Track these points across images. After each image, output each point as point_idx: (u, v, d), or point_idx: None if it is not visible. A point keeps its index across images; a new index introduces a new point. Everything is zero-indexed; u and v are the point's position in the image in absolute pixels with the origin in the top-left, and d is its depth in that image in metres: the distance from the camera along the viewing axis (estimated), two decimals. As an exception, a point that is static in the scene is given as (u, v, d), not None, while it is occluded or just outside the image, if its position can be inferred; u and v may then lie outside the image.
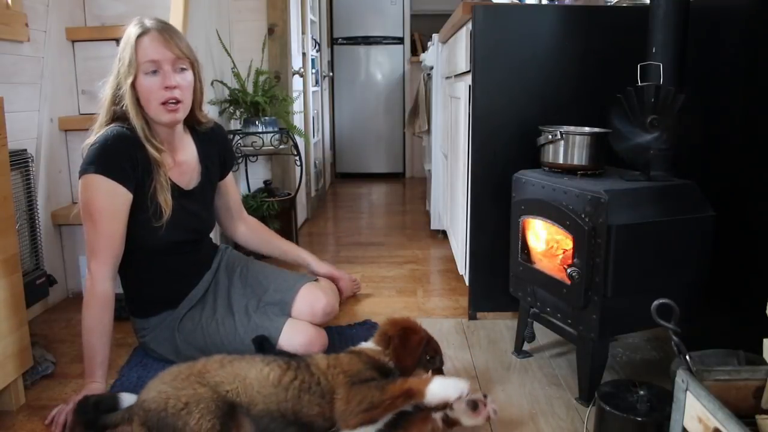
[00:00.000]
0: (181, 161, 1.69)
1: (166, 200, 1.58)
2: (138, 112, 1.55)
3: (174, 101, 1.55)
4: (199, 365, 1.35)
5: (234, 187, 1.98)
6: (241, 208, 2.01)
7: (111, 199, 1.53)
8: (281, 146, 2.81)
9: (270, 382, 1.31)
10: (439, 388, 1.25)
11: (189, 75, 1.59)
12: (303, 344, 1.64)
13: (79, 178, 1.53)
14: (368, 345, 1.45)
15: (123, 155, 1.53)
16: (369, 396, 1.26)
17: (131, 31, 1.54)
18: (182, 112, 1.59)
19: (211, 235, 1.89)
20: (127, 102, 1.54)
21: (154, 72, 1.53)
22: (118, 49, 1.57)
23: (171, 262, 1.68)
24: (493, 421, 1.41)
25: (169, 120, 1.58)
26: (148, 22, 1.55)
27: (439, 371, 1.45)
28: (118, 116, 1.58)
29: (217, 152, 1.79)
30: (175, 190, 1.64)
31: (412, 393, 1.26)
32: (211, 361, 1.37)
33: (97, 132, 1.56)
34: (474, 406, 1.35)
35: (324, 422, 1.29)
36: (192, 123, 1.73)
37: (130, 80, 1.52)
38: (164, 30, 1.54)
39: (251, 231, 2.03)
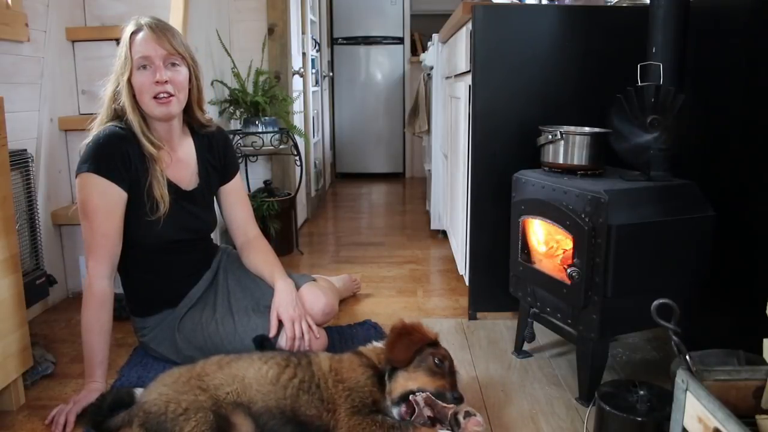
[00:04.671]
0: (179, 160, 1.69)
1: (162, 195, 1.58)
2: (135, 107, 1.57)
3: (165, 94, 1.56)
4: (198, 368, 1.35)
5: (240, 205, 1.83)
6: (246, 228, 1.83)
7: (105, 198, 1.54)
8: (281, 146, 2.81)
9: (268, 380, 1.32)
10: None
11: (183, 70, 1.59)
12: (302, 344, 1.63)
13: (76, 177, 1.55)
14: (375, 345, 1.44)
15: (115, 154, 1.54)
16: None
17: (126, 30, 1.57)
18: (175, 106, 1.60)
19: (212, 234, 1.88)
20: (124, 98, 1.56)
21: (145, 67, 1.55)
22: (118, 48, 1.59)
23: (170, 261, 1.69)
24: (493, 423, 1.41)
25: (161, 113, 1.58)
26: (143, 20, 1.58)
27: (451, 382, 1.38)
28: (117, 114, 1.60)
29: (217, 157, 1.78)
30: (174, 189, 1.64)
31: None
32: (209, 363, 1.37)
33: (95, 130, 1.58)
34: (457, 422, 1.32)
35: (320, 425, 1.29)
36: (192, 124, 1.73)
37: (126, 76, 1.55)
38: (156, 27, 1.56)
39: (247, 260, 1.80)
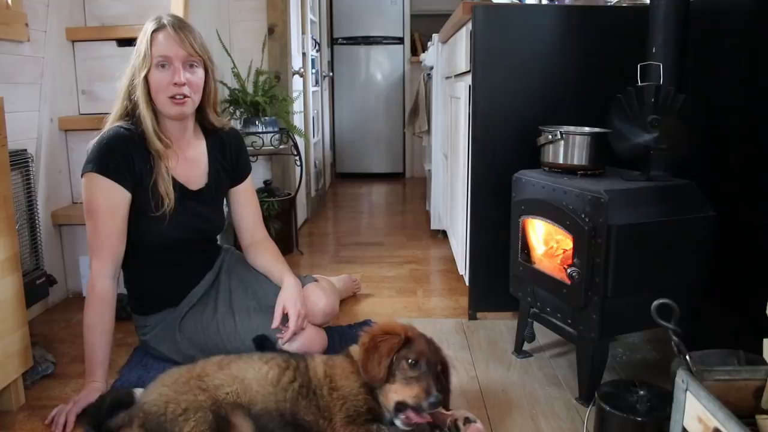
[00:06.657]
0: (189, 159, 1.69)
1: (167, 191, 1.58)
2: (148, 103, 1.57)
3: (181, 96, 1.57)
4: (198, 368, 1.35)
5: (249, 207, 1.84)
6: (254, 230, 1.84)
7: (108, 198, 1.54)
8: (281, 146, 2.81)
9: (269, 381, 1.32)
10: None
11: (200, 72, 1.60)
12: (303, 344, 1.64)
13: (82, 176, 1.56)
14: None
15: (119, 155, 1.54)
16: None
17: (148, 26, 1.57)
18: (189, 107, 1.61)
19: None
20: (139, 93, 1.56)
21: (165, 66, 1.55)
22: (136, 43, 1.59)
23: (173, 261, 1.68)
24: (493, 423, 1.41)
25: (175, 113, 1.59)
26: (165, 19, 1.58)
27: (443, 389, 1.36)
28: (128, 111, 1.60)
29: (229, 159, 1.77)
30: (180, 188, 1.64)
31: None
32: (209, 363, 1.37)
33: (105, 128, 1.59)
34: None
35: (318, 431, 1.29)
36: (205, 123, 1.73)
37: (144, 72, 1.55)
38: (179, 28, 1.57)
39: (254, 258, 1.81)
